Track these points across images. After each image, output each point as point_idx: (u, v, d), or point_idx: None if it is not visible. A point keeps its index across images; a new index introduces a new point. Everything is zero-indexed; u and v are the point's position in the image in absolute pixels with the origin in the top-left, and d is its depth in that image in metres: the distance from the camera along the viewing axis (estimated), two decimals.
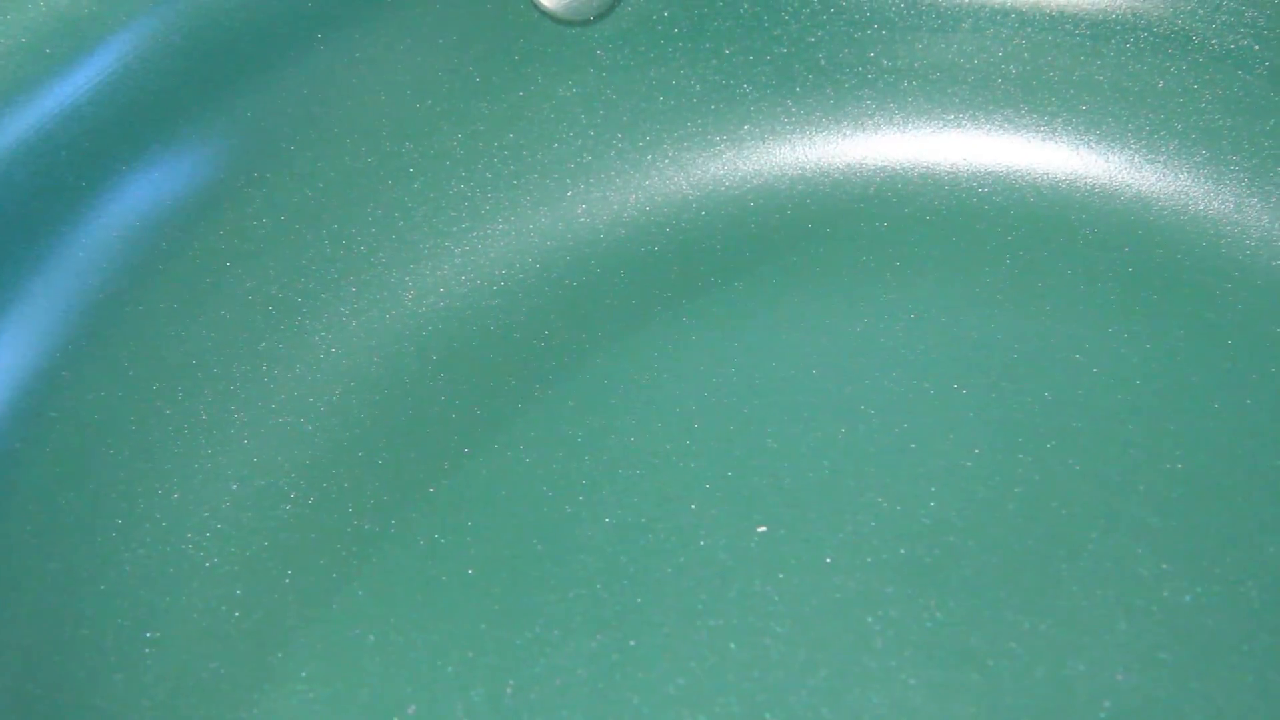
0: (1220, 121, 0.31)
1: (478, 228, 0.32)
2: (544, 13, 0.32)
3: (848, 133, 0.32)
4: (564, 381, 0.30)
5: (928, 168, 0.32)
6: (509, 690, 0.26)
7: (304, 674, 0.27)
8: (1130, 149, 0.31)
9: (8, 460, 0.28)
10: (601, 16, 0.32)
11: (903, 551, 0.27)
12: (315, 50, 0.31)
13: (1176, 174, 0.31)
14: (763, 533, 0.28)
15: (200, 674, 0.27)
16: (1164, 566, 0.26)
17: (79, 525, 0.28)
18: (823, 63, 0.32)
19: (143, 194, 0.29)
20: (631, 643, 0.26)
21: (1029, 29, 0.32)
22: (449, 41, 0.32)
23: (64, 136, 0.28)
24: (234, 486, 0.29)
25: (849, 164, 0.32)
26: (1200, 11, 0.31)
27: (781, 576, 0.27)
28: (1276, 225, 0.30)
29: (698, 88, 0.33)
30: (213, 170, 0.30)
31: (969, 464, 0.28)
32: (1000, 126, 0.32)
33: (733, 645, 0.26)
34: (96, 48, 0.29)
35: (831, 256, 0.31)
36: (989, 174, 0.32)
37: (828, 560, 0.27)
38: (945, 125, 0.32)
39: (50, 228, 0.28)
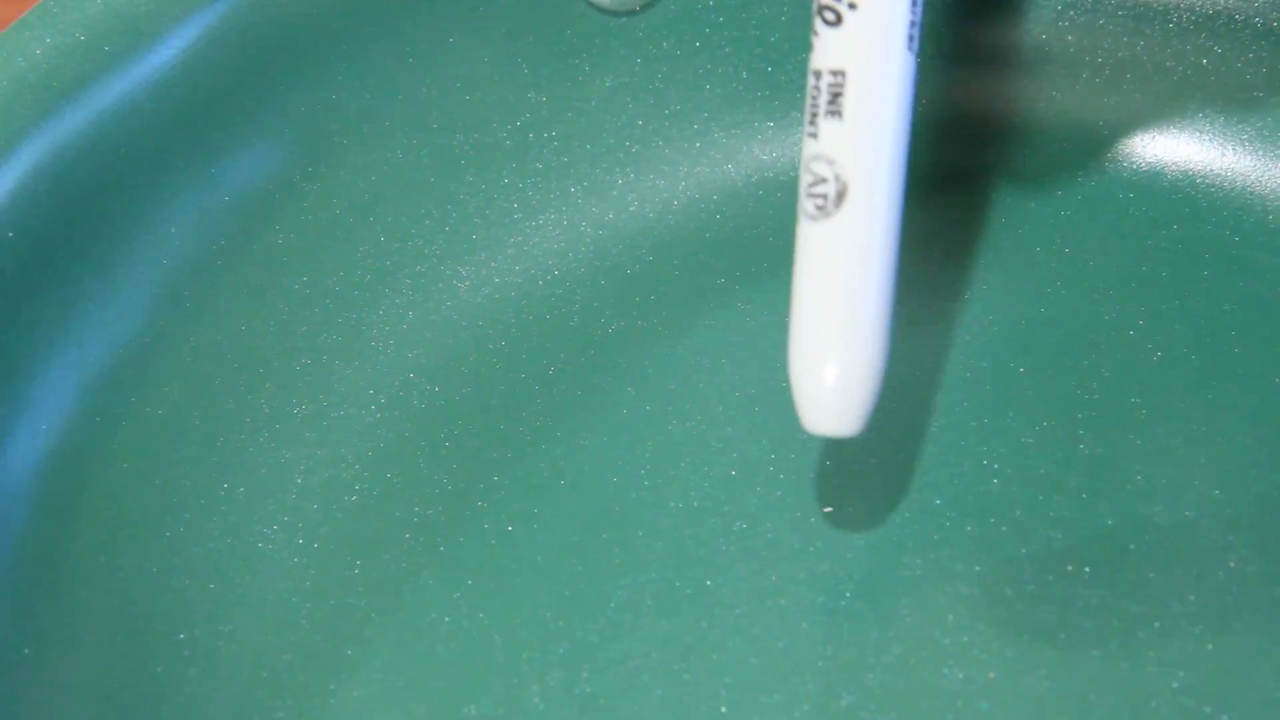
0: (1265, 98, 0.31)
1: (530, 218, 0.32)
2: (591, 4, 0.32)
3: None
4: (622, 369, 0.30)
5: (975, 150, 0.32)
6: (584, 675, 0.26)
7: (378, 664, 0.27)
8: (1176, 127, 0.32)
9: (76, 460, 0.28)
10: (648, 6, 0.32)
11: (969, 529, 0.27)
12: (367, 45, 0.31)
13: (1223, 151, 0.31)
14: (828, 513, 0.28)
15: (275, 666, 0.27)
16: (1229, 538, 0.26)
17: (149, 522, 0.28)
18: None
19: (201, 190, 0.30)
20: (704, 624, 0.27)
21: (1073, 11, 0.32)
22: (497, 35, 0.32)
23: (124, 134, 0.29)
24: (299, 479, 0.29)
25: None
26: None
27: (849, 556, 0.27)
28: None
29: (744, 75, 0.33)
30: (268, 166, 0.30)
31: (1030, 440, 0.28)
32: (1046, 108, 0.32)
33: (805, 625, 0.27)
34: (154, 45, 0.29)
35: None
36: (1036, 155, 0.32)
37: (894, 538, 0.27)
38: (991, 107, 0.32)
39: (112, 224, 0.29)
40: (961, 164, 0.32)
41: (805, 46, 0.32)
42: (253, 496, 0.29)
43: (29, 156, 0.28)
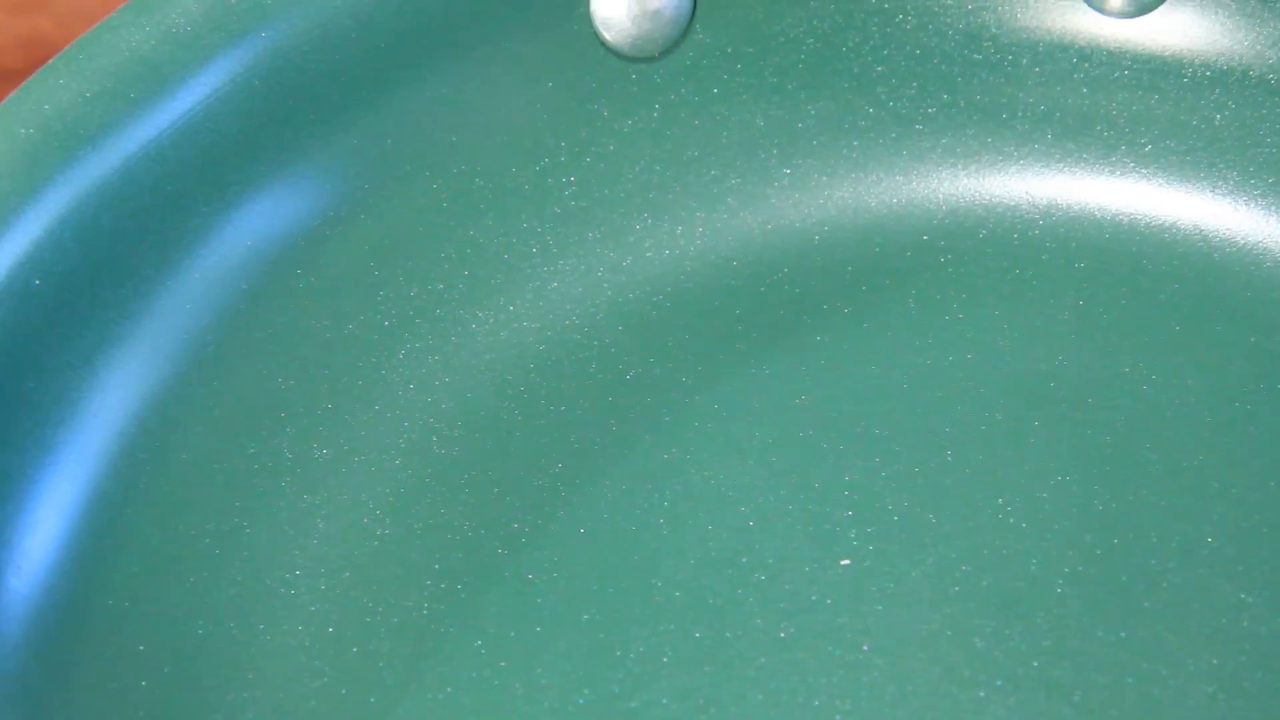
0: (1278, 154, 0.32)
1: (548, 263, 0.32)
2: (609, 50, 0.32)
3: (909, 167, 0.33)
4: (639, 416, 0.31)
5: (989, 201, 0.33)
6: None
7: (400, 712, 0.27)
8: (1189, 182, 0.32)
9: (102, 504, 0.28)
10: (666, 53, 0.33)
11: (985, 583, 0.28)
12: (388, 92, 0.31)
13: (1235, 206, 0.32)
14: (846, 566, 0.28)
15: (298, 712, 0.27)
16: (1243, 596, 0.27)
17: (171, 566, 0.28)
18: (884, 98, 0.33)
19: (224, 236, 0.30)
20: (723, 677, 0.27)
21: (1087, 64, 0.32)
22: (516, 80, 0.32)
23: (148, 180, 0.29)
24: (320, 524, 0.30)
25: (911, 198, 0.33)
26: (1256, 48, 0.32)
27: (867, 609, 0.28)
28: None
29: (761, 123, 0.33)
30: (290, 211, 0.31)
31: (1045, 495, 0.29)
32: (1060, 160, 0.33)
33: (823, 678, 0.27)
34: (178, 91, 0.29)
35: (897, 289, 0.32)
36: (1050, 207, 0.32)
37: (911, 592, 0.28)
38: (1005, 159, 0.33)
39: (136, 271, 0.29)
40: (975, 215, 0.32)
41: (823, 95, 0.32)
42: (275, 541, 0.29)
43: (54, 203, 0.28)
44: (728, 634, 0.27)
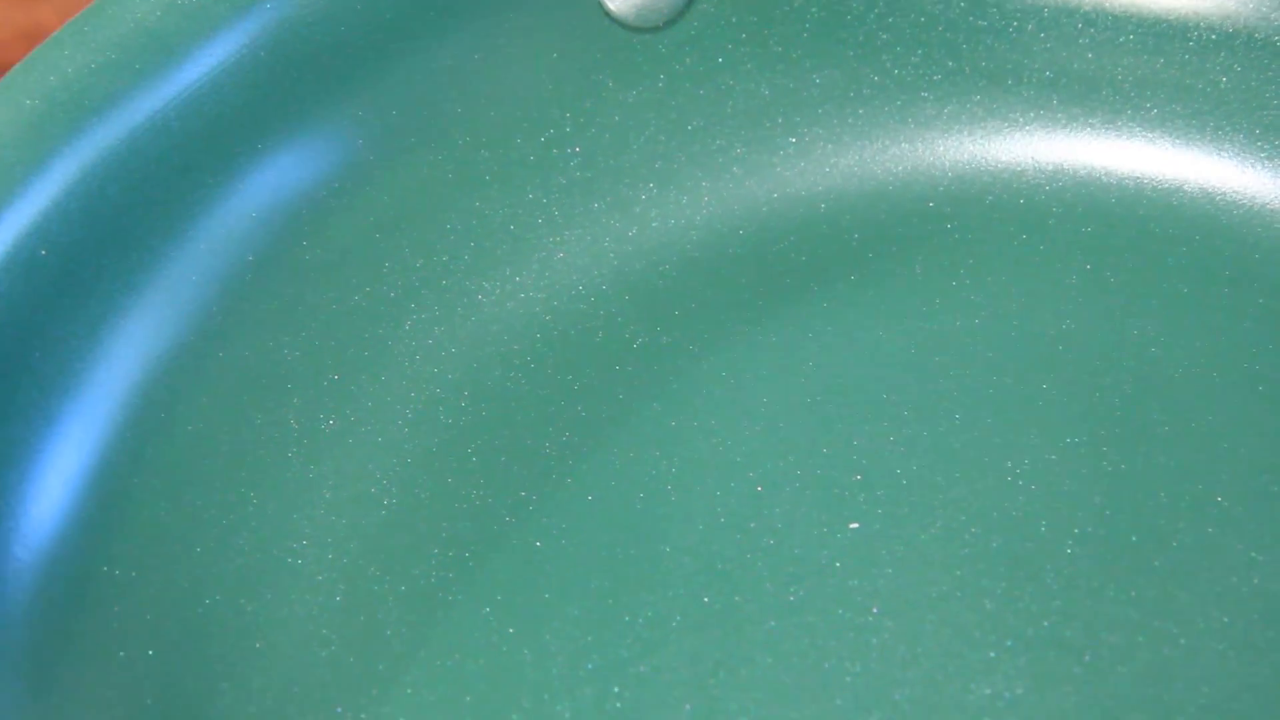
0: None
1: (554, 234, 0.32)
2: (614, 20, 0.32)
3: (915, 134, 0.33)
4: (647, 384, 0.31)
5: (995, 167, 0.33)
6: (614, 691, 0.27)
7: (408, 680, 0.27)
8: (1195, 145, 0.32)
9: (107, 475, 0.28)
10: (671, 23, 0.33)
11: (995, 545, 0.27)
12: (393, 63, 0.31)
13: (1242, 169, 0.32)
14: (855, 529, 0.28)
15: (306, 682, 0.27)
16: (1253, 555, 0.27)
17: (178, 537, 0.28)
18: (889, 65, 0.33)
19: (229, 207, 0.30)
20: (732, 641, 0.27)
21: (1092, 29, 0.32)
22: (521, 51, 0.32)
23: (154, 151, 0.29)
24: (327, 494, 0.30)
25: (917, 165, 0.33)
26: (1261, 10, 0.32)
27: (876, 571, 0.27)
28: None
29: (766, 92, 0.33)
30: (296, 182, 0.31)
31: (1054, 458, 0.28)
32: (1066, 125, 0.33)
33: (833, 641, 0.27)
34: (184, 62, 0.29)
35: (903, 256, 0.32)
36: (1057, 172, 0.32)
37: (920, 555, 0.27)
38: (1011, 125, 0.33)
39: (142, 242, 0.29)
40: (981, 181, 0.32)
41: (828, 63, 0.32)
42: (281, 512, 0.29)
43: (61, 174, 0.28)
44: (736, 598, 0.27)
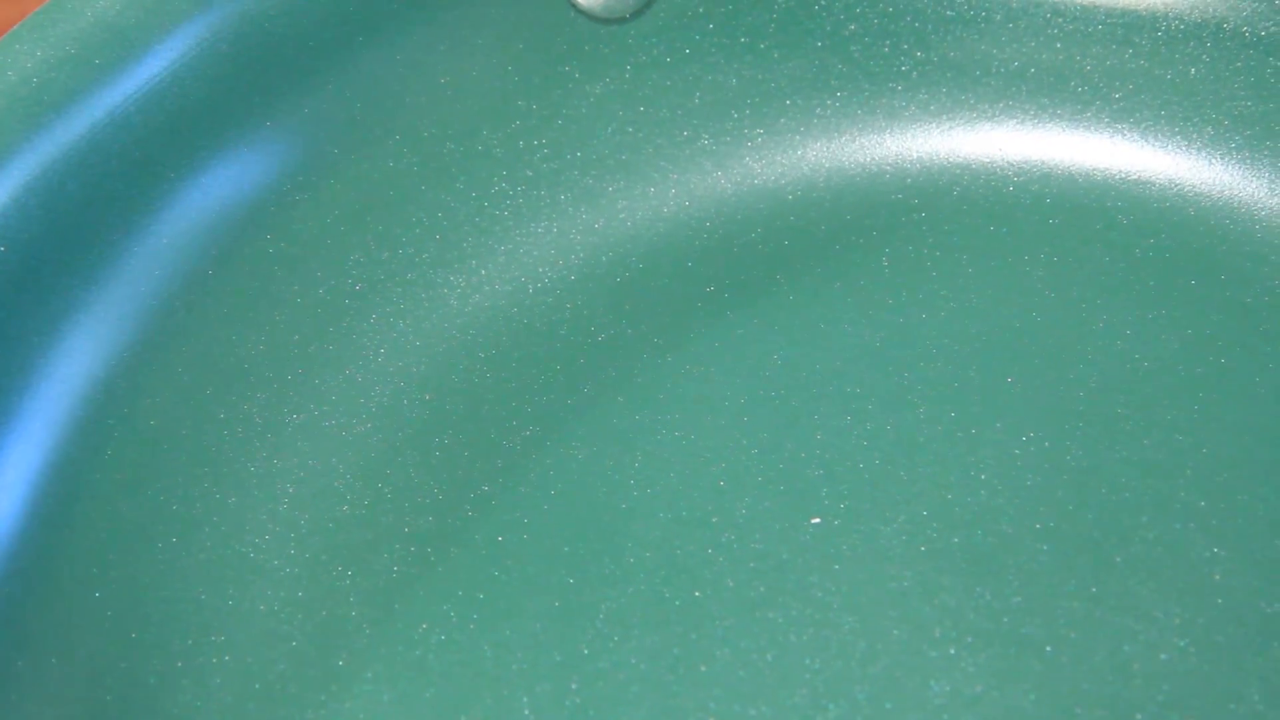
0: (1253, 108, 0.31)
1: (520, 226, 0.32)
2: (580, 11, 0.32)
3: (883, 125, 0.33)
4: (611, 377, 0.31)
5: (963, 159, 0.32)
6: (573, 687, 0.26)
7: (369, 675, 0.27)
8: (1164, 136, 0.32)
9: (69, 470, 0.28)
10: (638, 14, 0.32)
11: (956, 540, 0.27)
12: (357, 54, 0.31)
13: (1210, 160, 0.32)
14: (817, 524, 0.28)
15: (267, 676, 0.27)
16: (1215, 550, 0.27)
17: (139, 532, 0.28)
18: (857, 56, 0.33)
19: (191, 201, 0.30)
20: (692, 636, 0.27)
21: (1061, 19, 0.32)
22: (487, 42, 0.32)
23: (114, 146, 0.29)
24: (290, 489, 0.29)
25: (885, 156, 0.33)
26: (1230, 0, 0.31)
27: (838, 568, 0.27)
28: None
29: (734, 83, 0.33)
30: (259, 176, 0.30)
31: (1018, 451, 0.28)
32: (1035, 116, 0.32)
33: (793, 637, 0.27)
34: (144, 56, 0.29)
35: (871, 248, 0.32)
36: (1025, 164, 0.32)
37: (881, 550, 0.27)
38: (980, 116, 0.33)
39: (103, 237, 0.29)
40: (949, 172, 0.32)
41: (796, 54, 0.32)
42: (244, 506, 0.29)
43: (19, 170, 0.28)
44: (697, 593, 0.27)
